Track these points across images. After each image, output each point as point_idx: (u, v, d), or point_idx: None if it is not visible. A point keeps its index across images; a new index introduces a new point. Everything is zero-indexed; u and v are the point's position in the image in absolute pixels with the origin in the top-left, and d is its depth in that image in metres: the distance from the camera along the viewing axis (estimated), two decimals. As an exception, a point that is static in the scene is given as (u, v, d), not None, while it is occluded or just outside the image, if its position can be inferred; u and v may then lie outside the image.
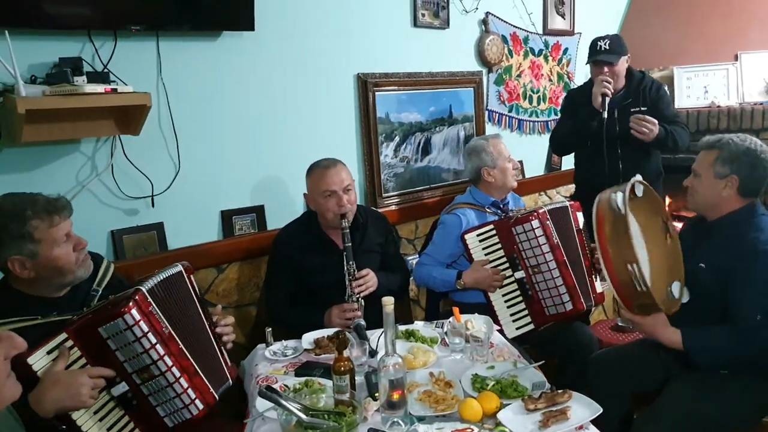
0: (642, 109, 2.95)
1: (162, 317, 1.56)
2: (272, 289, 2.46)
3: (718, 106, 3.77)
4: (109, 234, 2.27)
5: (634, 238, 1.75)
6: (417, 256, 2.97)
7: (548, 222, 2.33)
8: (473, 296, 2.46)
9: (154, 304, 1.55)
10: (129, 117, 2.10)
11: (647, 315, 1.89)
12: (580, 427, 1.52)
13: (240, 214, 2.59)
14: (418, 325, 2.20)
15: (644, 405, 2.12)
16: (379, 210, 2.88)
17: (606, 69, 2.93)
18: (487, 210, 2.60)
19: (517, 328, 2.37)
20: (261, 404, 1.61)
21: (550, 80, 3.91)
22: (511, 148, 2.71)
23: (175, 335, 1.57)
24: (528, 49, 3.72)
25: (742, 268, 1.83)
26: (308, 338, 2.06)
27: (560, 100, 4.00)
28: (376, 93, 2.94)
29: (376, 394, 1.61)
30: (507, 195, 2.68)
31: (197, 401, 1.57)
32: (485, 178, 2.59)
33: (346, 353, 1.66)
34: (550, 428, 1.50)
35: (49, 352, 1.43)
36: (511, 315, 2.39)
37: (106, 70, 2.10)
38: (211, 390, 1.64)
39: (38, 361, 1.40)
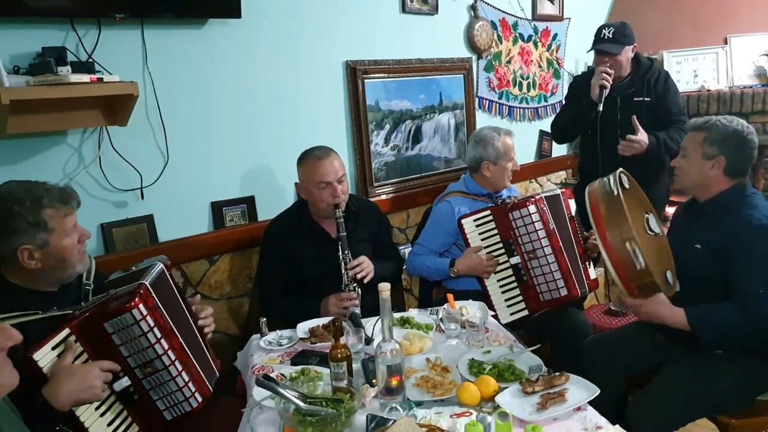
0: (645, 99, 2.89)
1: (164, 312, 1.56)
2: (265, 281, 2.44)
3: (708, 90, 3.77)
4: (99, 227, 2.24)
5: (630, 216, 1.75)
6: (409, 245, 2.96)
7: (544, 208, 2.33)
8: (466, 284, 2.46)
9: (156, 299, 1.55)
10: (116, 107, 2.07)
11: (647, 297, 1.89)
12: (578, 409, 1.53)
13: (230, 206, 2.57)
14: (413, 313, 2.19)
15: (638, 388, 2.14)
16: (370, 199, 2.86)
17: (607, 59, 2.87)
18: (479, 199, 2.59)
19: (512, 314, 2.38)
20: (258, 393, 1.60)
21: (540, 66, 3.91)
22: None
23: (175, 330, 1.58)
24: (517, 34, 3.70)
25: (738, 245, 1.85)
26: (303, 327, 2.06)
27: (550, 87, 4.01)
28: (365, 80, 2.92)
29: (374, 381, 1.61)
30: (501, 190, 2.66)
31: (197, 394, 1.59)
32: (483, 171, 2.57)
33: (342, 340, 1.65)
34: (549, 410, 1.51)
35: (54, 348, 1.43)
36: (506, 300, 2.40)
37: (90, 60, 2.07)
38: (207, 383, 1.66)
39: (44, 357, 1.40)
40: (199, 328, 1.77)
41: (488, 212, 2.40)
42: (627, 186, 1.96)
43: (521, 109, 3.83)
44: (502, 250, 2.38)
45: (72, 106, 1.99)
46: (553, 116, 3.51)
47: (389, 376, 1.52)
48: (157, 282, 1.61)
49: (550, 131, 3.44)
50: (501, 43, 3.60)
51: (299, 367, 1.79)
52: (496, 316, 2.28)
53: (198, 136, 2.43)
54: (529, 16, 3.75)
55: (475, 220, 2.41)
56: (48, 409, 1.35)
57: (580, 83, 3.11)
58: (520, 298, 2.38)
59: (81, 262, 1.64)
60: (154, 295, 1.55)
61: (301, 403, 1.46)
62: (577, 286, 2.34)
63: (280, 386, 1.48)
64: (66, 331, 1.45)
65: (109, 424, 1.50)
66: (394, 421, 1.39)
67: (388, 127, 3.08)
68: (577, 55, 4.09)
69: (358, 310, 2.03)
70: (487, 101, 3.59)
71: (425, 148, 3.28)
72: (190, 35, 2.35)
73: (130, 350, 1.49)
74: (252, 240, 2.58)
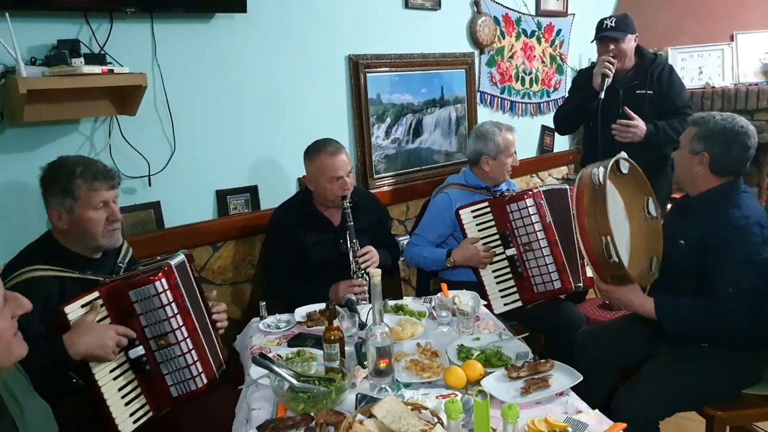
0: (648, 92, 2.87)
1: (184, 293, 1.70)
2: (272, 263, 2.50)
3: (713, 87, 3.75)
4: (107, 212, 2.32)
5: (610, 211, 1.78)
6: (408, 236, 3.03)
7: (542, 201, 2.37)
8: (462, 274, 2.51)
9: (179, 279, 1.70)
10: (125, 98, 2.15)
11: (620, 285, 1.93)
12: (561, 394, 1.57)
13: (234, 194, 2.64)
14: (407, 300, 2.26)
15: (629, 379, 2.18)
16: (371, 191, 2.92)
17: (612, 46, 2.84)
18: (478, 192, 2.63)
19: (505, 304, 2.42)
20: (255, 371, 1.68)
21: (543, 62, 3.94)
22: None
23: (191, 311, 1.71)
24: (520, 30, 3.74)
25: (717, 243, 1.86)
26: (301, 312, 2.13)
27: (552, 82, 4.04)
28: (368, 74, 2.97)
29: (365, 363, 1.68)
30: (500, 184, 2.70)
31: (203, 375, 1.70)
32: (482, 165, 2.61)
33: (336, 323, 1.72)
34: (532, 394, 1.55)
35: (83, 306, 1.60)
36: (500, 291, 2.44)
37: (102, 52, 2.14)
38: (213, 368, 1.76)
39: (73, 311, 1.58)
40: (212, 321, 1.88)
41: (486, 204, 2.44)
42: (625, 171, 1.96)
43: (523, 104, 3.86)
44: (499, 242, 2.42)
45: (84, 96, 2.07)
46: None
47: (378, 357, 1.57)
48: (179, 267, 1.75)
49: (552, 125, 3.48)
50: (504, 38, 3.64)
51: (295, 349, 1.87)
52: (489, 306, 2.33)
53: (204, 127, 2.51)
54: (533, 12, 3.77)
55: (472, 212, 2.46)
56: (62, 352, 1.51)
57: (584, 75, 3.09)
58: (515, 289, 2.42)
59: (107, 238, 1.79)
60: (177, 275, 1.70)
61: (295, 381, 1.55)
62: (571, 280, 2.37)
63: (275, 365, 1.56)
64: (95, 294, 1.62)
65: (120, 389, 1.63)
66: (382, 399, 1.46)
67: (389, 120, 3.13)
68: (581, 50, 4.11)
69: (354, 297, 2.09)
70: (489, 96, 3.63)
71: (426, 141, 3.33)
72: (197, 29, 2.42)
73: (148, 320, 1.65)
74: (255, 228, 2.65)
